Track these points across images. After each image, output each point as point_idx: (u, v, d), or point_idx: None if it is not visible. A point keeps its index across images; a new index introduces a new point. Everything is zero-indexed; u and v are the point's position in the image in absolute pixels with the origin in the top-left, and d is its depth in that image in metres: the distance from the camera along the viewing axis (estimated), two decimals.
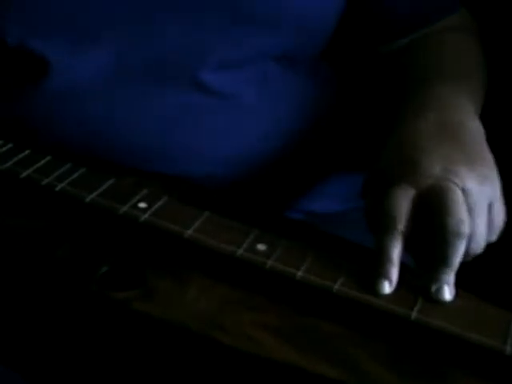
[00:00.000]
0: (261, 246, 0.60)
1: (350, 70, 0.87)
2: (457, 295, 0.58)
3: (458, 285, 0.59)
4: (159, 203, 0.63)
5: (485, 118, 0.72)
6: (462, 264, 0.60)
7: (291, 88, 0.79)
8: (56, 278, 0.58)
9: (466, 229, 0.58)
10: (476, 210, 0.59)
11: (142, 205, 0.63)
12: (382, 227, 0.59)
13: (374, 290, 0.57)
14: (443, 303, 0.57)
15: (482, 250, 0.60)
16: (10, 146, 0.69)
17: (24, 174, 0.66)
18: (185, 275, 0.59)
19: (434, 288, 0.58)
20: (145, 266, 0.59)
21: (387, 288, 0.57)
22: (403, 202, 0.59)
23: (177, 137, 0.74)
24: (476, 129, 0.67)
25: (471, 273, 0.66)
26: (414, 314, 0.56)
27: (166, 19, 0.72)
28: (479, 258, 0.62)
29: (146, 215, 0.62)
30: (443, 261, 0.58)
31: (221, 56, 0.74)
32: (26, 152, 0.68)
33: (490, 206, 0.61)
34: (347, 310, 0.57)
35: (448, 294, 0.58)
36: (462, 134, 0.65)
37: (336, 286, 0.57)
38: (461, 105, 0.69)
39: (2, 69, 0.75)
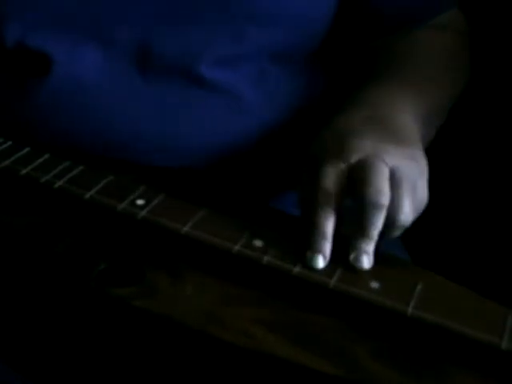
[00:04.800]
0: (257, 242, 0.60)
1: (344, 68, 0.87)
2: (454, 290, 0.59)
3: (456, 280, 0.59)
4: (157, 200, 0.63)
5: (485, 119, 0.72)
6: (460, 259, 0.60)
7: (288, 85, 0.79)
8: (54, 275, 0.59)
9: (384, 200, 0.59)
10: (401, 185, 0.60)
11: (140, 202, 0.63)
12: (315, 202, 0.60)
13: (308, 264, 0.58)
14: (361, 269, 0.59)
15: (408, 225, 0.61)
16: (9, 143, 0.70)
17: (23, 172, 0.66)
18: (183, 271, 0.59)
19: (352, 256, 0.59)
20: (143, 262, 0.60)
21: (321, 263, 0.59)
22: (335, 178, 0.60)
23: (175, 131, 0.74)
24: (404, 123, 0.68)
25: (469, 268, 0.66)
26: (410, 310, 0.56)
27: (166, 16, 0.72)
28: (478, 253, 0.63)
29: (144, 212, 0.62)
30: (362, 230, 0.59)
31: (219, 52, 0.74)
32: (25, 150, 0.69)
33: (415, 185, 0.62)
34: (344, 305, 0.57)
35: (366, 262, 0.59)
36: (389, 124, 0.67)
37: (333, 282, 0.58)
38: (395, 103, 0.71)
39: (3, 66, 0.75)
